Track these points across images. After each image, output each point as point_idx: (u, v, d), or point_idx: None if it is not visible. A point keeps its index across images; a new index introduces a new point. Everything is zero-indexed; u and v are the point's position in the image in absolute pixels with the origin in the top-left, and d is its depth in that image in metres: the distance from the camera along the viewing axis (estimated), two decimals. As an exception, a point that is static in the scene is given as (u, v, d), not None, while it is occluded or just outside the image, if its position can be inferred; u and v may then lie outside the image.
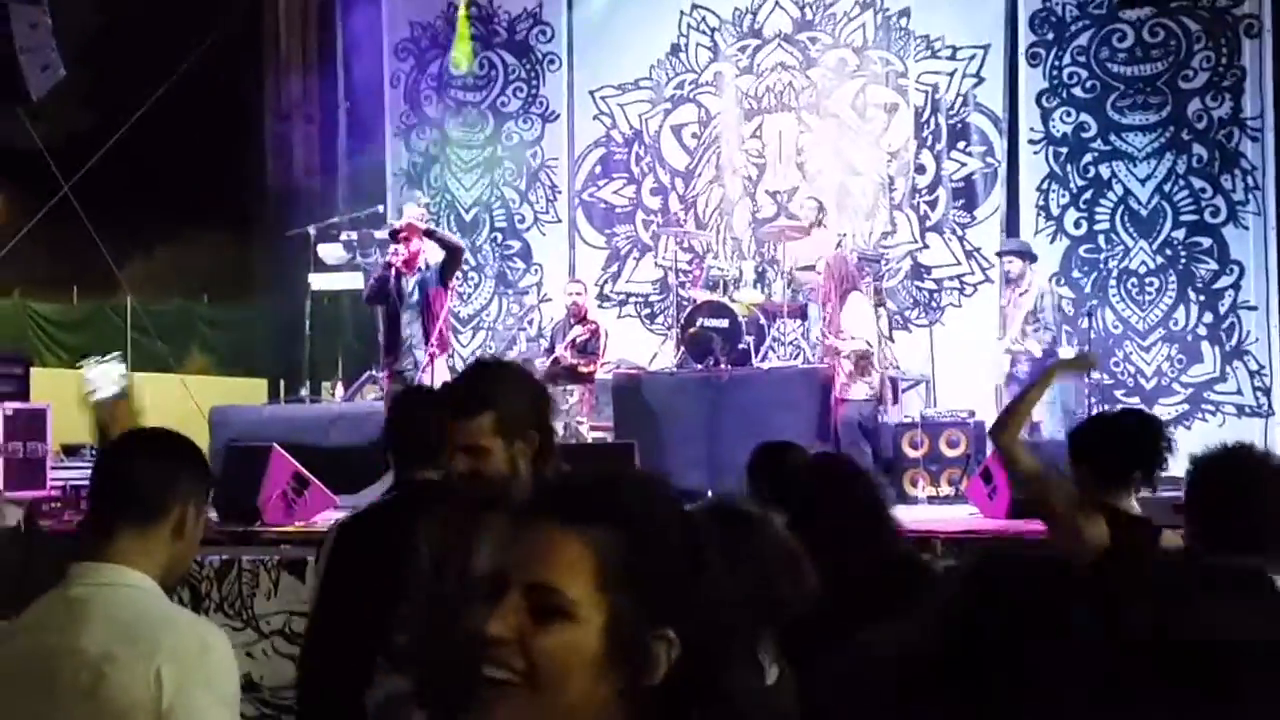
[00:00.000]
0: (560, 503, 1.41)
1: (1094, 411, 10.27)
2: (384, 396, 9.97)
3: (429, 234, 9.65)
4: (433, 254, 9.69)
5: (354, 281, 11.25)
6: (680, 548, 1.40)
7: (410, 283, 9.54)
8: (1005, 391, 9.97)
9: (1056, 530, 4.03)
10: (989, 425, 10.01)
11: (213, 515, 7.29)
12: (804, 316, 10.79)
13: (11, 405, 9.41)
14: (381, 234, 11.17)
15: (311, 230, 11.19)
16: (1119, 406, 10.99)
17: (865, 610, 2.94)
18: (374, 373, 11.33)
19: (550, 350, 10.76)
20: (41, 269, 17.01)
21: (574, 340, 10.68)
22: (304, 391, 11.61)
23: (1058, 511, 3.99)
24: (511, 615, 1.37)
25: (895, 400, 11.00)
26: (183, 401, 12.02)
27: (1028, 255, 10.44)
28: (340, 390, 11.75)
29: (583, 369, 10.65)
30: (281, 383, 13.26)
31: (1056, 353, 10.01)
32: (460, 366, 11.25)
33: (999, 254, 10.95)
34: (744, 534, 2.31)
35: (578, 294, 11.02)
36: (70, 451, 10.65)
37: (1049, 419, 9.60)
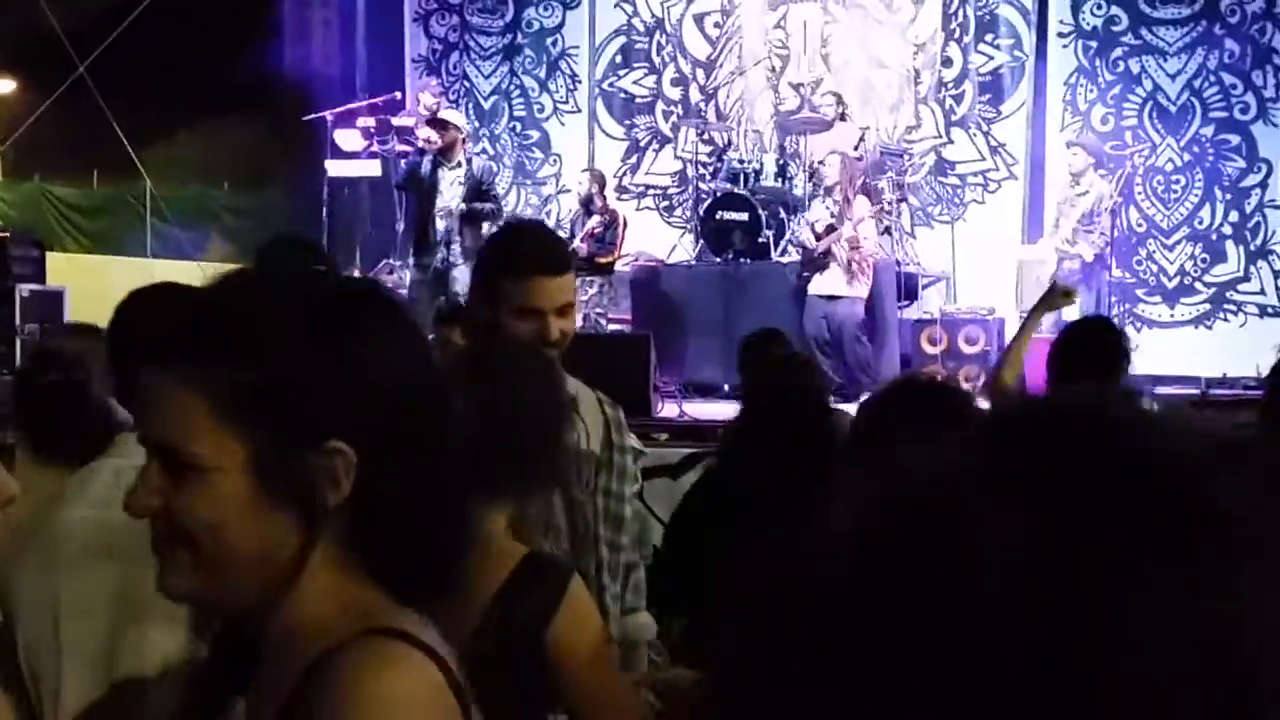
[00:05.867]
0: (156, 347, 1.29)
1: (1114, 312, 10.23)
2: (406, 287, 9.92)
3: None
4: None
5: (371, 169, 11.18)
6: (314, 354, 1.25)
7: (449, 178, 9.50)
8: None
9: None
10: (1008, 324, 10.04)
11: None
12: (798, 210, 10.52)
13: (28, 287, 9.40)
14: (400, 120, 11.08)
15: (329, 116, 11.10)
16: (1140, 306, 10.95)
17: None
18: (391, 261, 11.30)
19: (570, 239, 10.68)
20: (61, 153, 16.96)
21: (591, 230, 10.60)
22: (321, 279, 11.57)
23: None
24: (153, 481, 1.26)
25: (915, 297, 10.95)
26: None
27: (1097, 154, 10.21)
28: (357, 277, 11.73)
29: (601, 260, 10.58)
30: (301, 271, 13.23)
31: (1106, 258, 9.86)
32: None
33: (1069, 144, 10.74)
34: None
35: (596, 187, 10.84)
36: (89, 335, 10.67)
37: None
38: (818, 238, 9.61)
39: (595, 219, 10.52)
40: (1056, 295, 4.51)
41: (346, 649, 1.21)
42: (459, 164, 9.57)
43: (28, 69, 16.58)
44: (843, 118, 11.00)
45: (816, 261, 9.64)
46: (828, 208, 9.71)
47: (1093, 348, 4.02)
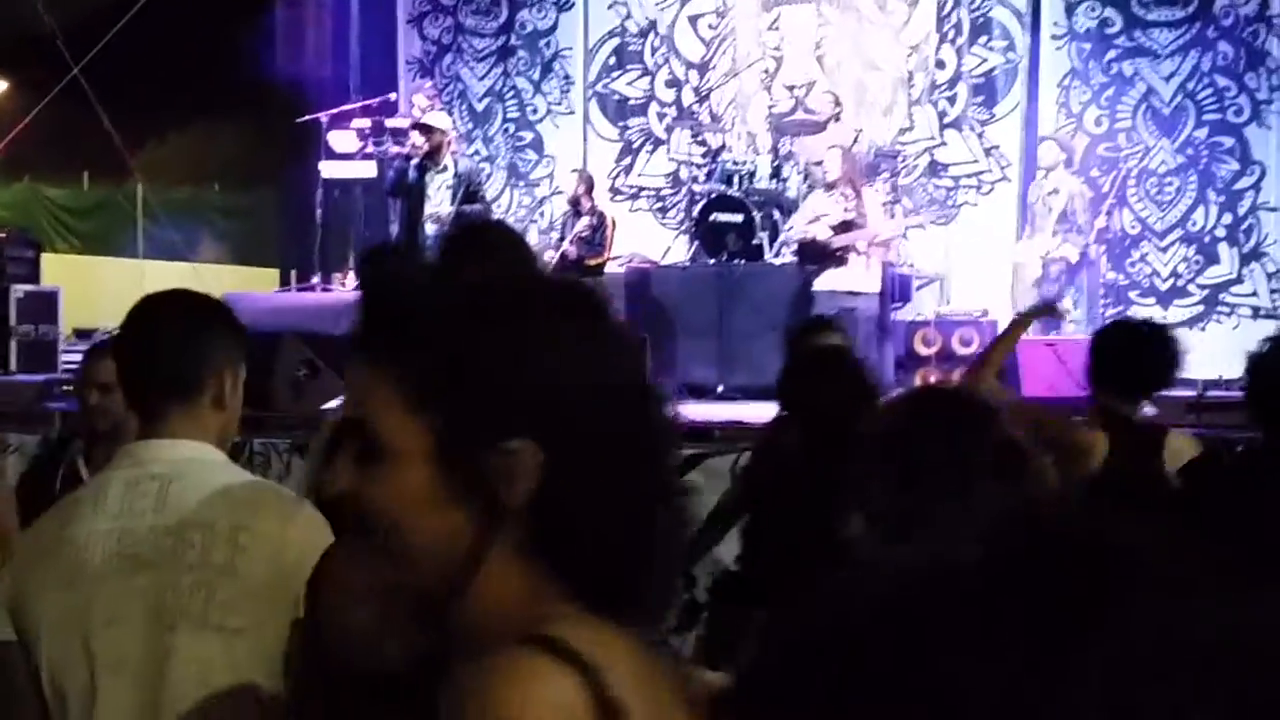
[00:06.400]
0: (361, 338, 1.31)
1: (1107, 314, 10.22)
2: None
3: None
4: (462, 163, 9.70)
5: (365, 170, 11.17)
6: (500, 350, 1.23)
7: (436, 180, 9.48)
8: (1036, 294, 9.80)
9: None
10: (1000, 327, 10.03)
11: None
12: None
13: (23, 287, 9.40)
14: (394, 122, 11.08)
15: (323, 118, 11.08)
16: (1133, 308, 10.96)
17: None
18: (385, 263, 11.27)
19: (560, 242, 10.65)
20: (53, 154, 16.94)
21: (579, 233, 10.56)
22: (315, 280, 11.58)
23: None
24: (349, 463, 1.28)
25: (908, 298, 10.94)
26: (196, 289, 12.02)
27: (1069, 151, 10.23)
28: (351, 280, 11.72)
29: (590, 262, 10.54)
30: (293, 272, 13.23)
31: (1092, 258, 9.85)
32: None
33: (1042, 138, 10.77)
34: None
35: (583, 188, 10.83)
36: (82, 335, 10.66)
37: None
38: (834, 231, 9.44)
39: (584, 220, 10.49)
40: (1044, 309, 4.50)
41: (488, 656, 1.18)
42: (445, 167, 9.56)
43: (20, 70, 16.57)
44: (837, 119, 11.00)
45: (832, 256, 9.49)
46: (837, 202, 9.58)
47: (1138, 362, 3.99)
